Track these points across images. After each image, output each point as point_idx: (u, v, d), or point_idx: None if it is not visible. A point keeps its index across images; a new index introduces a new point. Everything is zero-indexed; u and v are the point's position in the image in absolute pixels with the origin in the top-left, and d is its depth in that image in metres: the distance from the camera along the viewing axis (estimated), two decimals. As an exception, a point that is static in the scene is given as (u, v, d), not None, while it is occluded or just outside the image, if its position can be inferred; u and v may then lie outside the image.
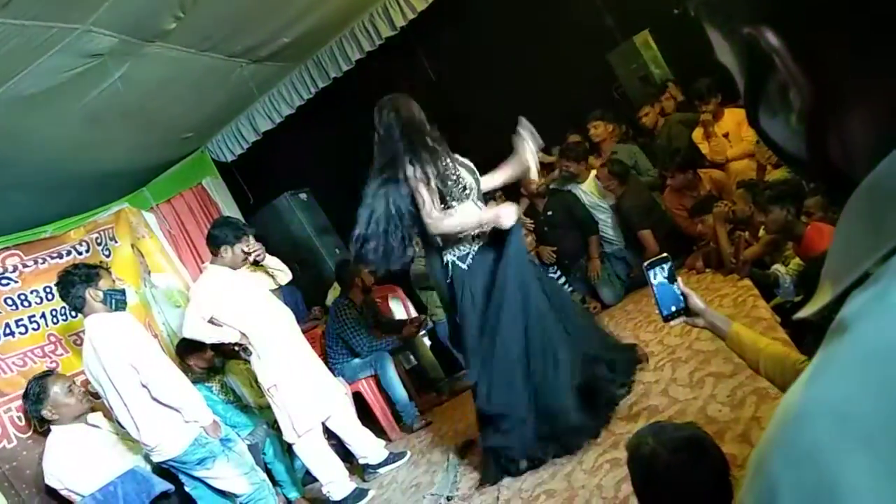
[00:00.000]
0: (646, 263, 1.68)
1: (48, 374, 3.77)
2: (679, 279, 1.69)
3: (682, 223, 4.74)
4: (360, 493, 3.96)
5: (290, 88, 5.96)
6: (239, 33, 4.51)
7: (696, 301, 1.67)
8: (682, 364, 3.12)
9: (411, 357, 5.31)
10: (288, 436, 3.90)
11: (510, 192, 4.68)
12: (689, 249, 4.66)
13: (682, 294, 1.67)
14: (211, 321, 3.71)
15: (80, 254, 4.87)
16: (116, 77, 4.02)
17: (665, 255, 1.71)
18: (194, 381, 3.96)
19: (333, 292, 5.52)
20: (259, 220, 6.19)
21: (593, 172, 5.19)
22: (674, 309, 1.67)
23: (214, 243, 3.80)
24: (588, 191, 5.19)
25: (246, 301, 3.81)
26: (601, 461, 2.77)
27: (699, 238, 4.55)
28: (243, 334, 3.73)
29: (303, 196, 6.29)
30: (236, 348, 3.83)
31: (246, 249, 3.81)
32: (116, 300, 3.36)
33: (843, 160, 0.40)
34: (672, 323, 1.71)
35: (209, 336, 3.74)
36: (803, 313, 0.42)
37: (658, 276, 1.66)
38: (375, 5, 5.52)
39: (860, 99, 0.37)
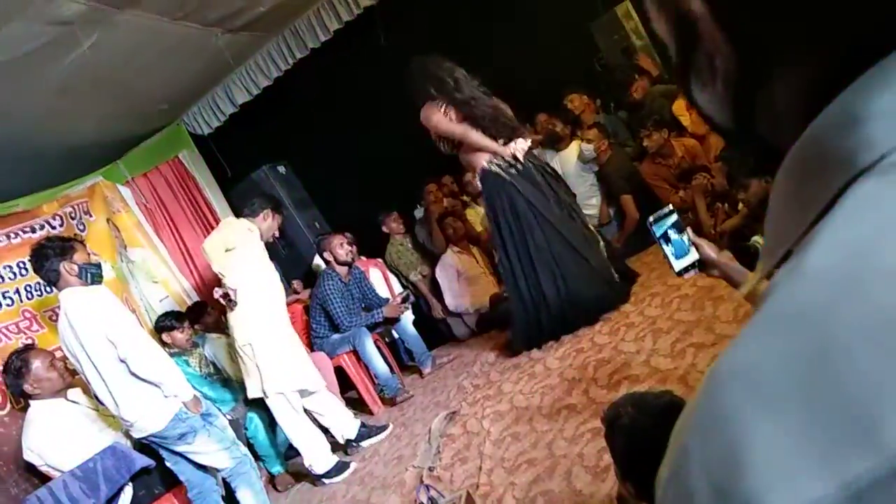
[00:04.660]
0: (650, 218, 1.59)
1: (29, 347, 3.73)
2: (689, 229, 1.61)
3: (660, 193, 4.76)
4: (342, 466, 3.97)
5: (267, 60, 5.85)
6: (213, 1, 4.40)
7: (709, 251, 1.60)
8: (663, 334, 3.13)
9: (392, 331, 5.31)
10: (252, 391, 4.00)
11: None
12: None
13: (694, 245, 1.59)
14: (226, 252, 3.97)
15: (53, 228, 4.78)
16: (86, 46, 3.91)
17: (669, 207, 1.62)
18: (172, 356, 3.94)
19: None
20: (237, 193, 6.12)
21: (575, 141, 5.18)
22: (686, 263, 1.59)
23: (258, 207, 4.28)
24: (569, 159, 5.17)
25: (253, 257, 4.05)
26: (582, 430, 2.79)
27: (679, 208, 4.58)
28: (234, 290, 3.92)
29: (281, 169, 6.21)
30: (223, 299, 3.93)
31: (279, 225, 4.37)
32: (92, 274, 3.29)
33: (771, 132, 0.39)
34: (686, 276, 1.64)
35: (219, 264, 3.96)
36: (742, 290, 0.41)
37: (664, 230, 1.58)
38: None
39: (786, 67, 0.36)
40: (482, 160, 4.08)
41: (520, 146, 4.10)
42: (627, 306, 3.81)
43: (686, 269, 1.60)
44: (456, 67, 4.07)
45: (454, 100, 4.00)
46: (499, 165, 4.06)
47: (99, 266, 3.41)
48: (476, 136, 4.04)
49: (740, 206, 3.82)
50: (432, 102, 4.05)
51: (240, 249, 3.98)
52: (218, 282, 4.10)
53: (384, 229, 5.78)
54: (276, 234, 4.38)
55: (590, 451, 2.58)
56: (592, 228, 4.34)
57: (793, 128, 0.36)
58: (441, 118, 4.03)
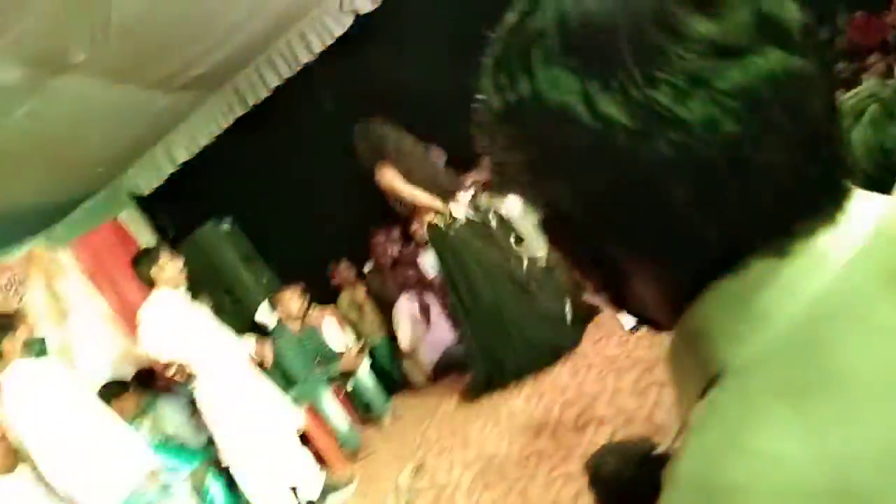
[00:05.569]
0: None
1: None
2: None
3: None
4: (308, 528, 3.87)
5: (207, 117, 5.79)
6: (153, 64, 4.36)
7: None
8: (625, 373, 3.19)
9: (349, 382, 5.23)
10: (231, 458, 3.90)
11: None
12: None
13: None
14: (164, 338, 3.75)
15: (-11, 299, 4.59)
16: (23, 112, 3.81)
17: None
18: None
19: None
20: (182, 252, 5.97)
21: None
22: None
23: (144, 268, 3.93)
24: (515, 203, 5.25)
25: (194, 324, 3.91)
26: (554, 475, 2.80)
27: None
28: (186, 362, 3.79)
29: (226, 225, 6.11)
30: (178, 376, 3.77)
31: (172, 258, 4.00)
32: (37, 350, 3.18)
33: (643, 312, 0.51)
34: (639, 332, 1.69)
35: (166, 354, 3.76)
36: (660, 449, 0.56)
37: None
38: (292, 31, 5.45)
39: (637, 279, 0.47)
40: (427, 216, 4.26)
41: (460, 202, 4.30)
42: (586, 346, 3.86)
43: (637, 326, 1.64)
44: (395, 131, 4.27)
45: (395, 163, 4.18)
46: (443, 220, 4.23)
47: (43, 341, 3.29)
48: (422, 197, 4.22)
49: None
50: (381, 165, 4.20)
51: (169, 326, 3.81)
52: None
53: (335, 281, 5.75)
54: (183, 272, 4.08)
55: (564, 496, 2.59)
56: (542, 268, 4.43)
57: (658, 312, 0.47)
58: (394, 177, 4.20)
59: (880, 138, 1.00)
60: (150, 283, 3.91)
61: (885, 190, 0.51)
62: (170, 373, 3.82)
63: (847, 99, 1.08)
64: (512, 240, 4.39)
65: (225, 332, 4.13)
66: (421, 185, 4.22)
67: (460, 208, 4.29)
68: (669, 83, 0.38)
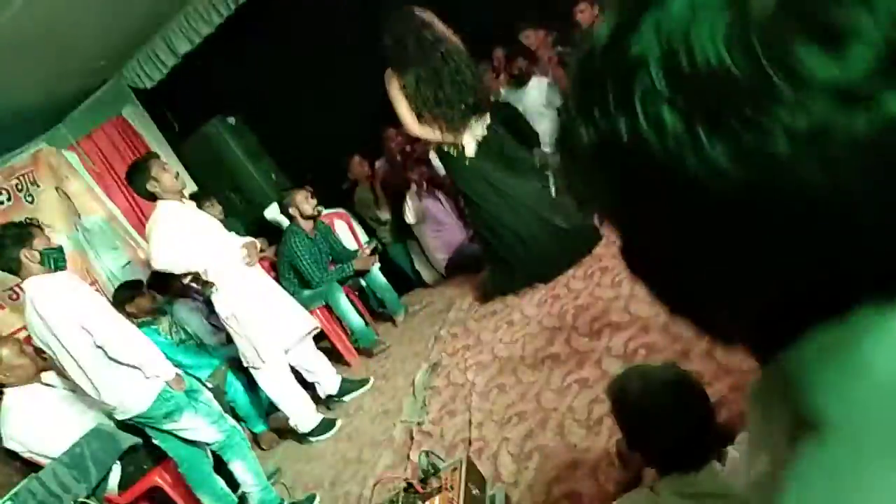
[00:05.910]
0: None
1: (-5, 337, 3.62)
2: None
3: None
4: (328, 424, 4.02)
5: (207, 5, 5.52)
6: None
7: None
8: (640, 280, 3.18)
9: (360, 281, 5.28)
10: (252, 361, 3.93)
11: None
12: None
13: None
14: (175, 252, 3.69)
15: (0, 203, 4.57)
16: (19, 4, 3.66)
17: None
18: (140, 326, 3.88)
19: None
20: (188, 148, 5.91)
21: (537, 79, 5.11)
22: None
23: (139, 185, 3.69)
24: (531, 98, 5.11)
25: (202, 233, 3.80)
26: (569, 381, 2.85)
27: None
28: (202, 271, 3.75)
29: (231, 120, 5.97)
30: (194, 283, 3.81)
31: (165, 168, 3.76)
32: (54, 259, 3.17)
33: (725, 340, 0.48)
34: None
35: (181, 266, 3.72)
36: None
37: None
38: None
39: (723, 314, 0.44)
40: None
41: (471, 138, 4.01)
42: (600, 249, 3.84)
43: None
44: (425, 25, 3.85)
45: (411, 72, 3.86)
46: (453, 150, 4.04)
47: (61, 249, 3.28)
48: (421, 132, 4.02)
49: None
50: (393, 70, 3.92)
51: (178, 239, 3.71)
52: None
53: (350, 176, 5.70)
54: (173, 173, 3.84)
55: (580, 403, 2.64)
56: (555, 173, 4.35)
57: (739, 343, 0.46)
58: (397, 96, 3.94)
59: None
60: (150, 198, 3.74)
61: None
62: (186, 280, 3.84)
63: None
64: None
65: (233, 237, 4.11)
66: (435, 105, 3.90)
67: (471, 143, 4.00)
68: (786, 132, 0.33)
